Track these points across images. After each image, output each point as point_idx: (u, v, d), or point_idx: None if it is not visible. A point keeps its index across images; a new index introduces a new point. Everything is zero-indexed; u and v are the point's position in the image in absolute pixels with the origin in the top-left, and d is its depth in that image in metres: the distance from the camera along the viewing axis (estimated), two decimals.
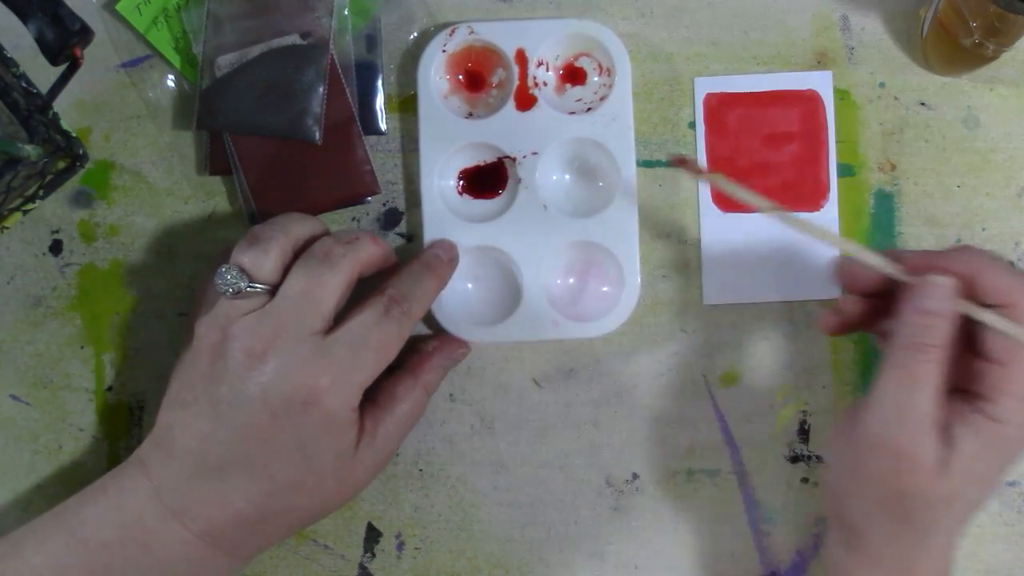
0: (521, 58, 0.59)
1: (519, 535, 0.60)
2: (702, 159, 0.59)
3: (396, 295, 0.53)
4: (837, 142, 0.59)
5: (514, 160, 0.59)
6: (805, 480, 0.59)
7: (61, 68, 0.54)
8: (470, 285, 0.59)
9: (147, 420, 0.60)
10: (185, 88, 0.60)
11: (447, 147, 0.59)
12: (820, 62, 0.60)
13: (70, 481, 0.61)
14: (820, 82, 0.59)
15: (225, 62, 0.58)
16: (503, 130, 0.59)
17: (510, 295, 0.59)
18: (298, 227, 0.54)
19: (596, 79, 0.60)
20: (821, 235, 0.52)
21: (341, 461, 0.52)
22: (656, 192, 0.60)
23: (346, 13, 0.59)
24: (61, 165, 0.59)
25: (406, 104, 0.60)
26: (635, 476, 0.60)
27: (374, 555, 0.60)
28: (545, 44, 0.59)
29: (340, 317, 0.52)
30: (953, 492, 0.47)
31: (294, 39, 0.58)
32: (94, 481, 0.53)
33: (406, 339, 0.53)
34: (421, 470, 0.60)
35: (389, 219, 0.60)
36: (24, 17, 0.53)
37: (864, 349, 0.59)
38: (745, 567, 0.59)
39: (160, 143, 0.61)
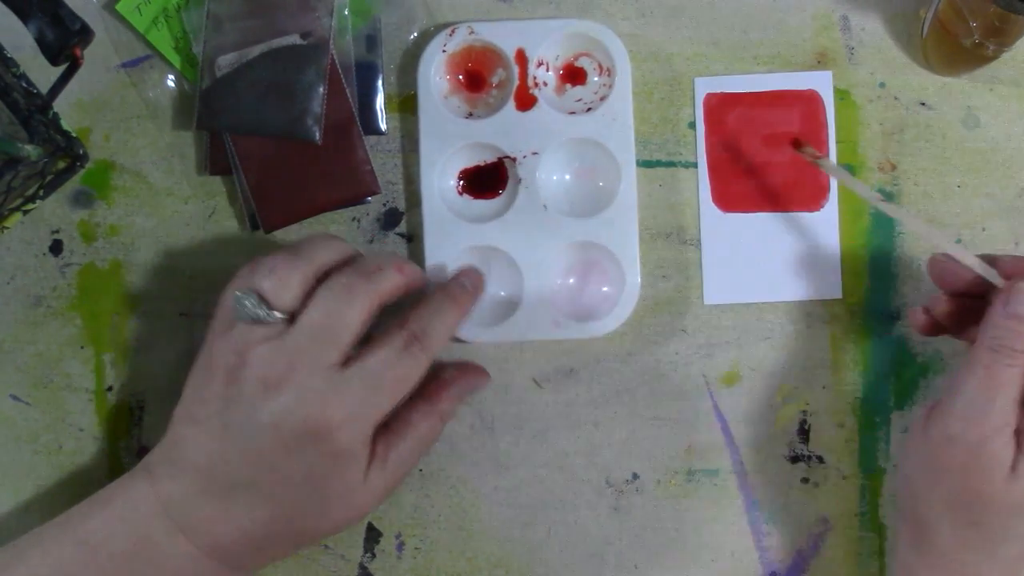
0: (521, 58, 0.59)
1: (519, 535, 0.60)
2: (702, 159, 0.59)
3: (417, 331, 0.52)
4: (837, 142, 0.59)
5: (514, 160, 0.59)
6: (805, 480, 0.59)
7: (61, 68, 0.54)
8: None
9: (147, 420, 0.60)
10: (185, 88, 0.60)
11: (447, 147, 0.59)
12: (820, 62, 0.60)
13: (70, 481, 0.61)
14: (820, 82, 0.59)
15: (225, 62, 0.58)
16: (503, 130, 0.59)
17: (510, 295, 0.59)
18: (323, 254, 0.53)
19: (596, 79, 0.60)
20: (926, 232, 0.53)
21: (349, 489, 0.52)
22: (656, 192, 0.60)
23: (346, 13, 0.59)
24: (61, 165, 0.59)
25: (406, 104, 0.60)
26: (635, 476, 0.60)
27: (374, 555, 0.60)
28: (545, 44, 0.59)
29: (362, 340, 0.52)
30: (1023, 500, 0.47)
31: (294, 39, 0.58)
32: (94, 483, 0.54)
33: (424, 374, 0.53)
34: (421, 470, 0.60)
35: (389, 219, 0.60)
36: (24, 17, 0.53)
37: (864, 349, 0.59)
38: (745, 567, 0.59)
39: (160, 143, 0.61)
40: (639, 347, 0.60)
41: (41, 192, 0.58)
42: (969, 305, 0.52)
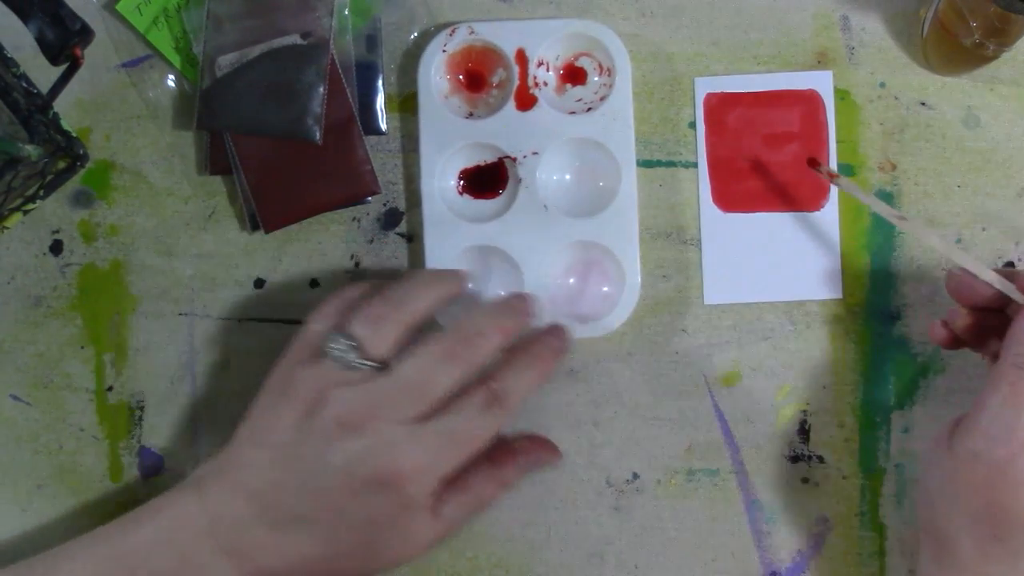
0: (521, 58, 0.59)
1: (519, 535, 0.60)
2: (702, 159, 0.59)
3: (499, 391, 0.51)
4: (837, 142, 0.59)
5: (514, 160, 0.59)
6: (805, 480, 0.59)
7: (61, 68, 0.54)
8: (470, 285, 0.59)
9: (147, 420, 0.60)
10: (185, 88, 0.60)
11: (447, 147, 0.59)
12: (820, 62, 0.60)
13: (70, 481, 0.61)
14: (820, 82, 0.59)
15: (225, 62, 0.58)
16: (503, 130, 0.59)
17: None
18: (423, 303, 0.52)
19: (596, 79, 0.60)
20: (944, 247, 0.53)
21: (402, 538, 0.51)
22: (656, 192, 0.60)
23: (346, 13, 0.59)
24: (61, 165, 0.59)
25: (406, 104, 0.60)
26: (635, 476, 0.60)
27: None
28: (545, 44, 0.59)
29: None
30: None
31: (294, 39, 0.58)
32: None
33: (498, 433, 0.52)
34: None
35: (389, 219, 0.60)
36: (25, 17, 0.53)
37: (864, 349, 0.59)
38: (745, 567, 0.59)
39: (160, 143, 0.61)
40: (639, 347, 0.60)
41: (41, 192, 0.58)
42: (988, 319, 0.52)
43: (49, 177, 0.58)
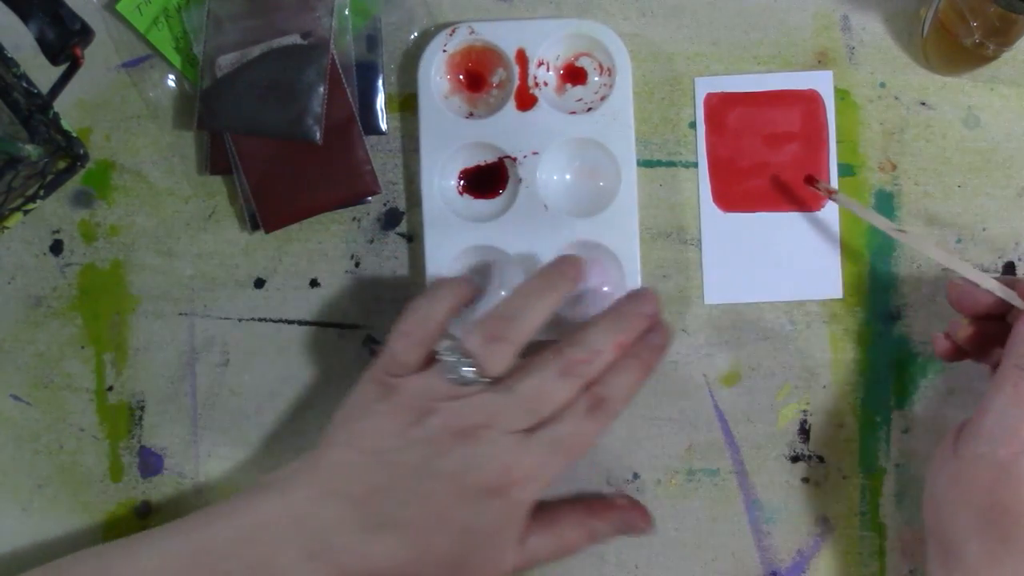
0: (521, 58, 0.59)
1: None
2: (702, 159, 0.59)
3: (604, 395, 0.51)
4: (837, 142, 0.59)
5: (515, 160, 0.59)
6: (805, 480, 0.59)
7: (62, 68, 0.54)
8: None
9: (147, 420, 0.60)
10: (185, 88, 0.60)
11: (447, 147, 0.59)
12: (820, 62, 0.60)
13: (70, 481, 0.61)
14: (820, 82, 0.59)
15: (225, 62, 0.58)
16: (503, 130, 0.59)
17: None
18: (539, 316, 0.52)
19: (597, 79, 0.60)
20: (945, 258, 0.53)
21: (488, 557, 0.51)
22: (656, 192, 0.60)
23: (346, 13, 0.59)
24: (61, 165, 0.59)
25: (406, 104, 0.60)
26: (635, 476, 0.60)
27: None
28: (546, 44, 0.59)
29: None
30: None
31: (294, 39, 0.58)
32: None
33: (601, 437, 0.52)
34: None
35: (389, 219, 0.60)
36: (25, 17, 0.53)
37: (864, 349, 0.59)
38: (745, 567, 0.59)
39: (160, 143, 0.61)
40: None
41: (41, 192, 0.58)
42: (989, 328, 0.52)
43: (49, 177, 0.58)
